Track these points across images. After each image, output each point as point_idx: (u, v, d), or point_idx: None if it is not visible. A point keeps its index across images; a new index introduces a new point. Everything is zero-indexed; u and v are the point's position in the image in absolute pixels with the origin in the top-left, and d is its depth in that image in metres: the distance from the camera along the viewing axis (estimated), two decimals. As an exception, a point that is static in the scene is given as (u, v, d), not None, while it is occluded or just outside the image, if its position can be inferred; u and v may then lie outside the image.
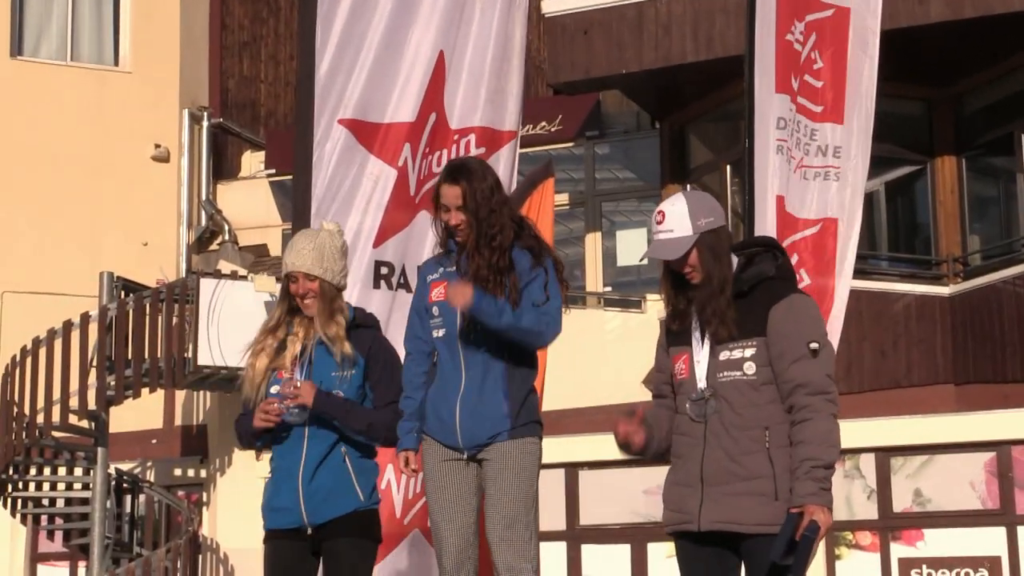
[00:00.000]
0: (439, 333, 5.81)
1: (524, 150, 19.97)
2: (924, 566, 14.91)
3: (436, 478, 5.80)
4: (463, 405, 5.71)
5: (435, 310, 5.84)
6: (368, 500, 5.83)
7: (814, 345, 5.05)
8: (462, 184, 5.72)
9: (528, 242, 5.82)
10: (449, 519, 5.76)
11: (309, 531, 5.77)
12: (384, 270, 7.32)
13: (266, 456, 6.04)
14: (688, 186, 17.96)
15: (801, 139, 8.53)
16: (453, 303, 5.59)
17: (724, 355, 5.11)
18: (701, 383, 5.14)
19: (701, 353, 5.18)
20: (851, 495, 15.06)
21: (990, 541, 14.70)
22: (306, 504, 5.74)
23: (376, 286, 7.28)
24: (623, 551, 16.03)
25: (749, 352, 5.09)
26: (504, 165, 7.69)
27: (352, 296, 6.64)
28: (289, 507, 5.78)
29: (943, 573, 14.82)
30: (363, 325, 5.95)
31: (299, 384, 5.72)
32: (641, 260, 5.38)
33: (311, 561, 5.82)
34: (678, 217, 5.18)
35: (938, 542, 14.91)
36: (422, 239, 7.38)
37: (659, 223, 5.22)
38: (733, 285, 5.15)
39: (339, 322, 5.82)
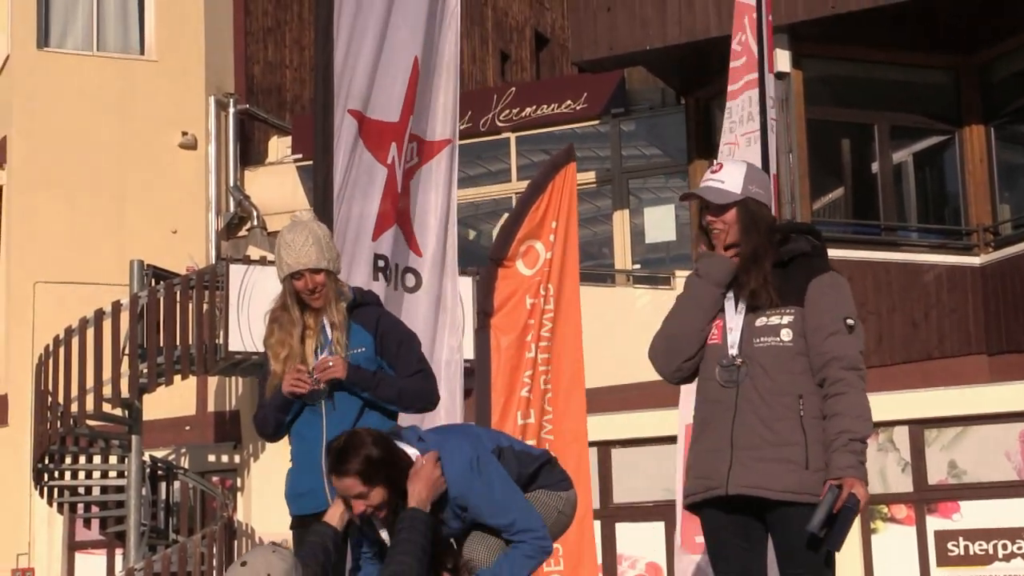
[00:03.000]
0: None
1: (549, 129, 20.17)
2: (961, 538, 14.85)
3: None
4: None
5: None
6: None
7: (850, 321, 5.08)
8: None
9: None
10: None
11: None
12: (381, 263, 7.35)
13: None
14: (714, 161, 17.90)
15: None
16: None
17: (761, 321, 5.12)
18: (733, 349, 5.13)
19: (735, 319, 5.17)
20: (885, 468, 15.02)
21: (1026, 512, 14.65)
22: (331, 492, 5.74)
23: (375, 278, 7.30)
24: (658, 529, 16.02)
25: (787, 319, 5.10)
26: (441, 171, 7.71)
27: (355, 284, 6.64)
28: (313, 491, 5.78)
29: (980, 545, 14.76)
30: (364, 303, 5.96)
31: (331, 362, 5.73)
32: (682, 198, 5.37)
33: (342, 546, 5.83)
34: (734, 173, 5.24)
35: (974, 514, 14.85)
36: (403, 243, 7.44)
37: (714, 172, 5.26)
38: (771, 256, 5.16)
39: (340, 309, 5.84)
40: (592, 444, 16.29)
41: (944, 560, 14.88)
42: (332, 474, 5.12)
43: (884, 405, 13.99)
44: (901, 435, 15.15)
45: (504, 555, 5.18)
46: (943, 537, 14.93)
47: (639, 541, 16.17)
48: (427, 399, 5.86)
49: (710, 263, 5.24)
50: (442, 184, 7.68)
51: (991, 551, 14.73)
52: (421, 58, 7.56)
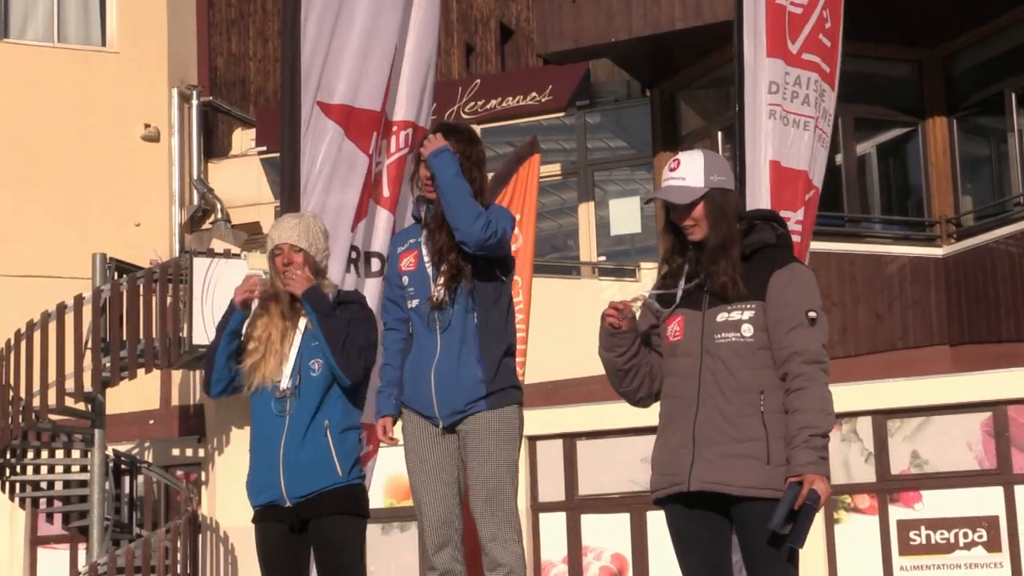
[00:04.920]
0: (413, 303, 5.81)
1: (515, 121, 20.17)
2: (923, 527, 14.94)
3: (416, 451, 5.79)
4: (438, 372, 5.70)
5: (405, 280, 5.84)
6: (347, 476, 5.78)
7: (812, 314, 5.05)
8: (445, 135, 5.75)
9: None
10: (431, 492, 5.74)
11: (288, 504, 5.74)
12: (353, 254, 7.33)
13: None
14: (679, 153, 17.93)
15: (811, 95, 8.52)
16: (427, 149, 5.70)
17: (722, 316, 5.10)
18: (694, 344, 5.13)
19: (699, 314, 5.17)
20: (848, 458, 15.08)
21: (988, 501, 14.73)
22: (286, 478, 5.72)
23: (348, 270, 7.28)
24: (623, 520, 16.06)
25: (748, 315, 5.08)
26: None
27: (331, 277, 6.63)
28: (269, 481, 5.76)
29: (942, 534, 14.85)
30: (347, 301, 5.94)
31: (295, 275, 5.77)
32: (646, 202, 5.39)
33: (302, 543, 5.81)
34: (693, 168, 5.19)
35: (936, 503, 14.94)
36: (376, 229, 7.40)
37: (672, 169, 5.22)
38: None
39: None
40: (558, 436, 16.37)
41: (906, 549, 14.96)
42: None
43: (848, 396, 14.04)
44: (864, 425, 15.22)
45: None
46: (905, 526, 15.02)
47: (604, 533, 16.20)
48: (355, 368, 5.78)
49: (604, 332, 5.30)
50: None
51: (952, 540, 14.82)
52: (400, 47, 7.53)
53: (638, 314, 5.33)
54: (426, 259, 5.78)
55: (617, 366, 5.33)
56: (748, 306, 5.09)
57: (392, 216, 7.47)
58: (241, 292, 5.83)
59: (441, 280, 5.70)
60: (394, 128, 7.55)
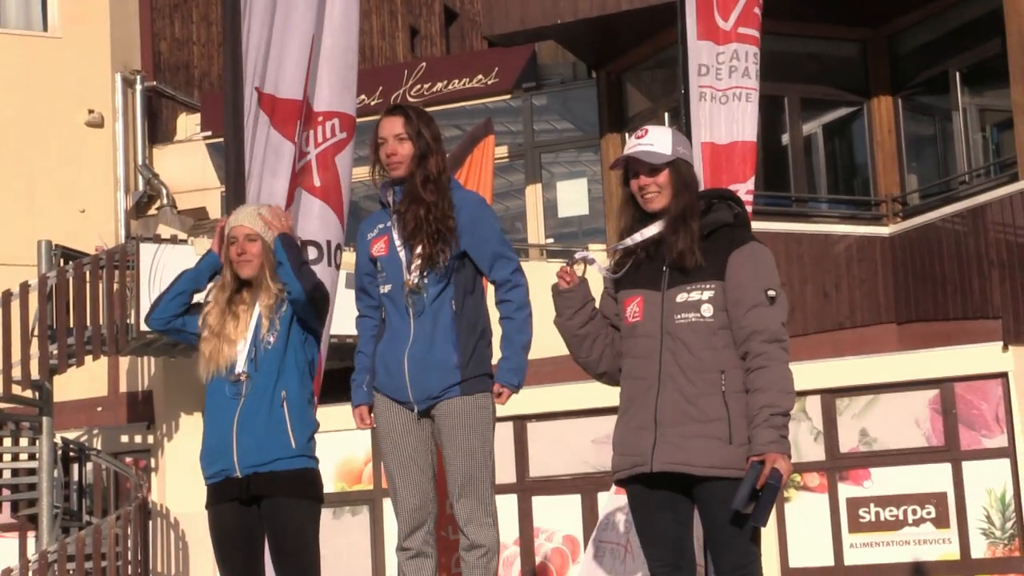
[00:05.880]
0: (385, 288, 5.81)
1: (462, 104, 20.13)
2: (872, 504, 15.04)
3: (390, 437, 5.79)
4: (411, 357, 5.71)
5: (379, 265, 5.84)
6: (301, 449, 5.76)
7: (771, 293, 5.08)
8: (403, 115, 5.75)
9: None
10: (405, 477, 5.76)
11: (239, 475, 5.71)
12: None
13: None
14: (627, 134, 17.96)
15: (751, 68, 8.56)
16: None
17: (682, 296, 5.12)
18: (654, 325, 5.14)
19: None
20: (798, 437, 15.17)
21: (936, 478, 14.85)
22: (238, 447, 5.71)
23: None
24: (574, 501, 16.09)
25: (707, 295, 5.10)
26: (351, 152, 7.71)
27: None
28: (222, 450, 5.74)
29: (891, 511, 14.96)
30: None
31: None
32: (612, 167, 5.39)
33: (256, 524, 5.79)
34: (661, 137, 5.25)
35: (885, 481, 15.05)
36: (309, 217, 7.37)
37: (640, 137, 5.25)
38: None
39: (272, 293, 5.81)
40: (508, 419, 16.37)
41: (856, 526, 15.07)
42: None
43: (797, 375, 14.01)
44: (813, 404, 15.31)
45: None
46: (855, 504, 15.12)
47: (556, 515, 16.23)
48: (307, 281, 5.78)
49: (556, 289, 5.35)
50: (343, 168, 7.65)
51: (901, 516, 14.93)
52: (318, 36, 7.50)
53: (579, 271, 5.34)
54: (397, 243, 5.78)
55: (571, 330, 5.36)
56: (707, 286, 5.11)
57: (326, 206, 7.43)
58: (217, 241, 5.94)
59: (415, 264, 5.70)
60: (319, 118, 7.51)
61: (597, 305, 5.42)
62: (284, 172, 7.26)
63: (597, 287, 5.43)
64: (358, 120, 7.65)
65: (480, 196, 6.11)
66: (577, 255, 5.37)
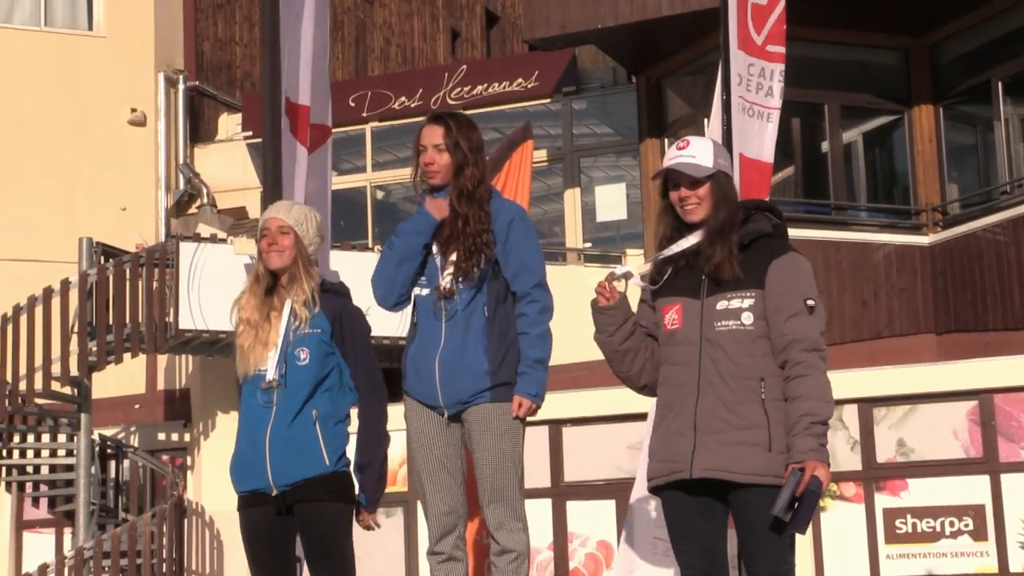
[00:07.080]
0: (423, 291, 5.81)
1: (502, 107, 20.14)
2: (909, 516, 14.97)
3: (421, 441, 5.80)
4: (442, 360, 5.72)
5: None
6: (334, 465, 5.73)
7: (811, 302, 5.10)
8: (444, 126, 5.76)
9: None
10: (436, 483, 5.78)
11: (274, 492, 5.70)
12: None
13: None
14: (666, 140, 17.95)
15: (774, 87, 8.54)
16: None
17: (722, 304, 5.13)
18: (693, 332, 5.14)
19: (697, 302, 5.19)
20: (834, 446, 15.10)
21: (974, 489, 14.76)
22: (272, 465, 5.69)
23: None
24: (608, 507, 16.07)
25: (747, 303, 5.11)
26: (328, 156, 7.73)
27: None
28: (255, 469, 5.72)
29: (928, 522, 14.88)
30: (332, 291, 5.88)
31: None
32: (654, 178, 5.38)
33: (288, 527, 5.78)
34: (703, 148, 5.25)
35: (922, 492, 14.97)
36: None
37: (681, 148, 5.25)
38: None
39: (304, 289, 5.75)
40: (543, 423, 16.36)
41: (892, 538, 15.00)
42: None
43: (834, 384, 13.96)
44: (850, 414, 15.25)
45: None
46: (891, 515, 15.05)
47: (590, 519, 16.22)
48: (381, 415, 5.78)
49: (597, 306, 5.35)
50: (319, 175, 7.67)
51: (938, 528, 14.85)
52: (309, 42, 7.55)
53: (620, 288, 5.35)
54: (434, 249, 5.80)
55: (612, 346, 5.36)
56: (747, 294, 5.11)
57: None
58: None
59: (450, 270, 5.72)
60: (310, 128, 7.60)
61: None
62: (303, 175, 7.32)
63: (633, 297, 5.43)
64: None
65: (519, 206, 6.12)
66: (617, 271, 5.36)
